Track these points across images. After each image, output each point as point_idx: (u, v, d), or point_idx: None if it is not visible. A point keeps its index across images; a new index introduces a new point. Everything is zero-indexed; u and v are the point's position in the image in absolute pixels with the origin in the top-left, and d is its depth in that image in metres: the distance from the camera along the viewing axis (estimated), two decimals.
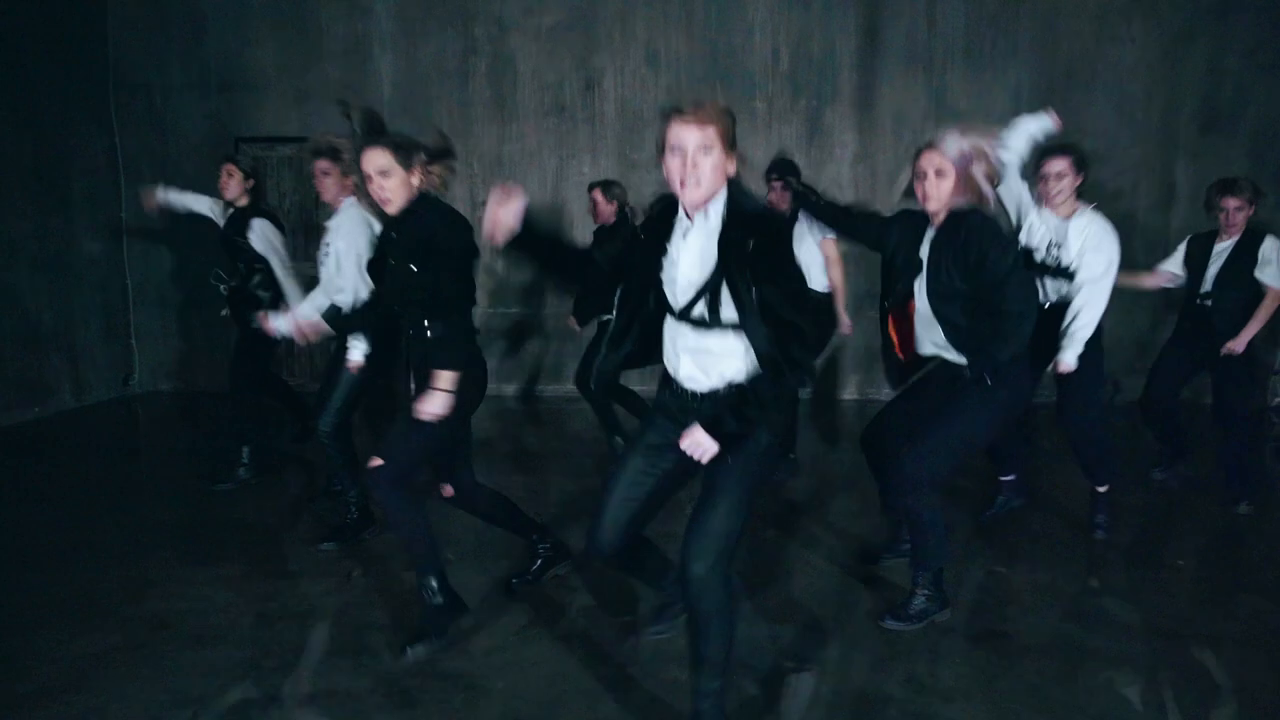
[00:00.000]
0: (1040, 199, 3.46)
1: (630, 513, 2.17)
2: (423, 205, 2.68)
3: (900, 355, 2.87)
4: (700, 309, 1.98)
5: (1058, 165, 3.35)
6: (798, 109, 6.68)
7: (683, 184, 1.96)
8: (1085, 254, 3.32)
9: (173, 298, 7.13)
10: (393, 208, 2.65)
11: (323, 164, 3.62)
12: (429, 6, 6.72)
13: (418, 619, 2.72)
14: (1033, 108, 6.44)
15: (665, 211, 2.12)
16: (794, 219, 4.03)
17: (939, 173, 2.63)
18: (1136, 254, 6.74)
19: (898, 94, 6.62)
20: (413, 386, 2.77)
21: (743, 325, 1.95)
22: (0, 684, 2.47)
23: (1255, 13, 6.29)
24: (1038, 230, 3.46)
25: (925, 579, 2.81)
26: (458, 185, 6.88)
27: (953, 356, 2.73)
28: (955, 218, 2.65)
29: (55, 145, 6.30)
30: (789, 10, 6.57)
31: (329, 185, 3.67)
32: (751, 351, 1.97)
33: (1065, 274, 3.42)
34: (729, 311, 1.96)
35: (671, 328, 2.10)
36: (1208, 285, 4.05)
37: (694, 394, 2.07)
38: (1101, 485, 3.68)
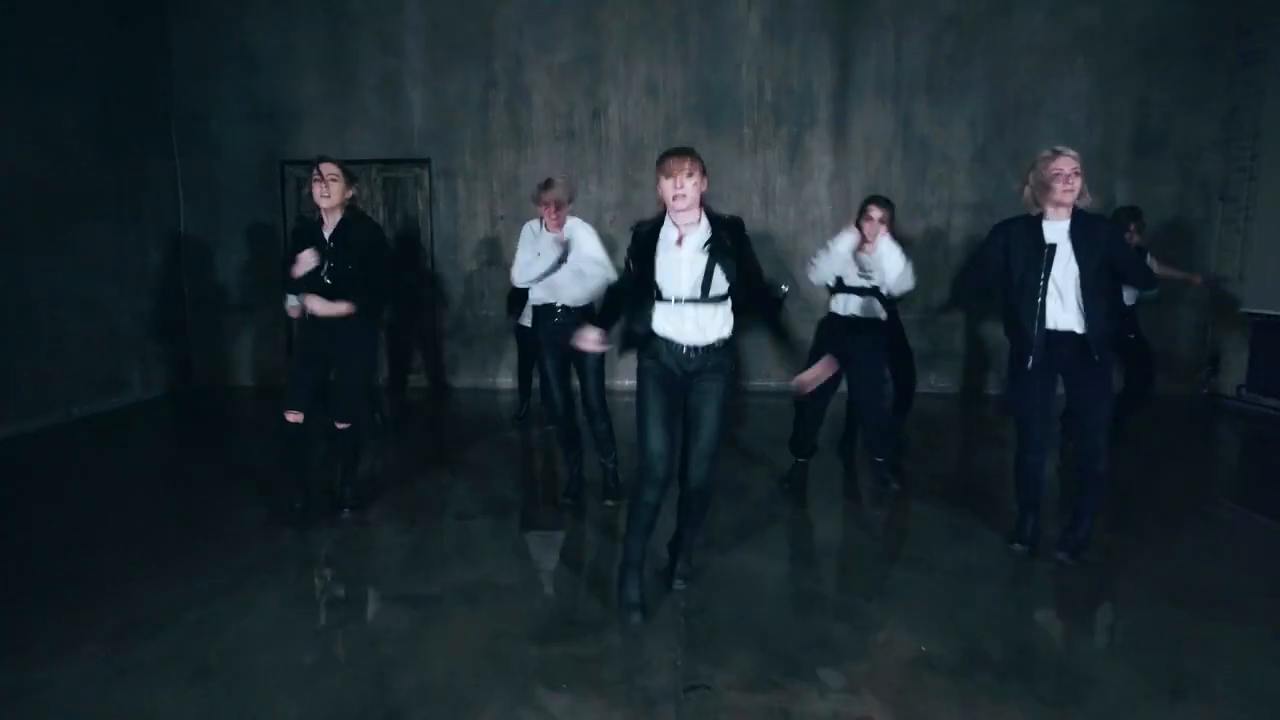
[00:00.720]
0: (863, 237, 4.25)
1: (672, 434, 2.99)
2: None
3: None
4: (700, 289, 2.89)
5: (878, 213, 4.20)
6: (780, 135, 7.56)
7: (675, 199, 2.84)
8: (885, 266, 4.19)
9: (223, 302, 8.00)
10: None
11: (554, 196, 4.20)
12: (454, 46, 7.60)
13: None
14: (987, 133, 7.41)
15: (653, 229, 2.99)
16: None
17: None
18: None
19: (868, 121, 7.50)
20: None
21: (730, 294, 2.94)
22: (168, 589, 3.32)
23: (1178, 55, 7.18)
24: (852, 264, 4.31)
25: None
26: (479, 201, 7.80)
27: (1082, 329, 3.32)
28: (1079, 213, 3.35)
29: (130, 170, 7.18)
30: (772, 48, 7.46)
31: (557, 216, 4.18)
32: (730, 312, 2.97)
33: (874, 293, 4.30)
34: (719, 287, 2.90)
35: (672, 308, 2.94)
36: None
37: (694, 347, 2.95)
38: (880, 457, 4.53)
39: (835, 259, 4.28)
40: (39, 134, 6.20)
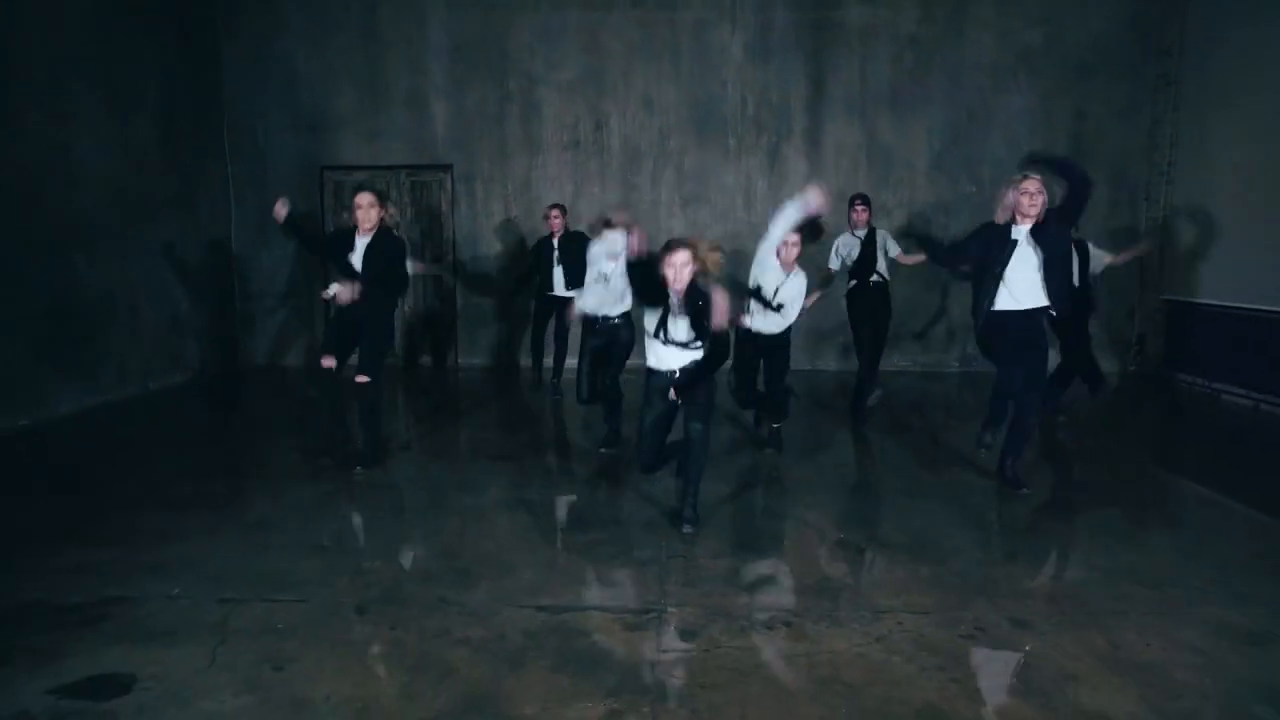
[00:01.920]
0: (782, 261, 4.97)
1: (662, 439, 4.04)
2: None
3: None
4: (686, 338, 3.86)
5: (793, 238, 4.91)
6: (760, 144, 8.58)
7: (674, 281, 3.75)
8: (791, 295, 5.01)
9: (268, 292, 9.01)
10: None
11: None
12: (473, 65, 8.62)
13: None
14: (944, 142, 8.42)
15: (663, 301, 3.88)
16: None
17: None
18: None
19: (839, 132, 8.52)
20: None
21: (697, 341, 3.85)
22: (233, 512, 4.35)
23: (1109, 73, 8.21)
24: (769, 279, 5.03)
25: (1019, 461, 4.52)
26: (494, 202, 8.82)
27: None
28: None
29: (190, 174, 8.21)
30: (753, 68, 8.48)
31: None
32: (697, 350, 3.89)
33: (777, 309, 5.01)
34: (694, 336, 3.86)
35: (666, 348, 3.89)
36: None
37: (674, 371, 3.92)
38: (777, 422, 5.40)
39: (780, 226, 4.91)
40: (117, 143, 7.21)
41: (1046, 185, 4.26)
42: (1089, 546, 3.78)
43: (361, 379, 5.00)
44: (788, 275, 5.02)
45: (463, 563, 3.54)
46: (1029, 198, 4.20)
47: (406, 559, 3.60)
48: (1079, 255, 5.91)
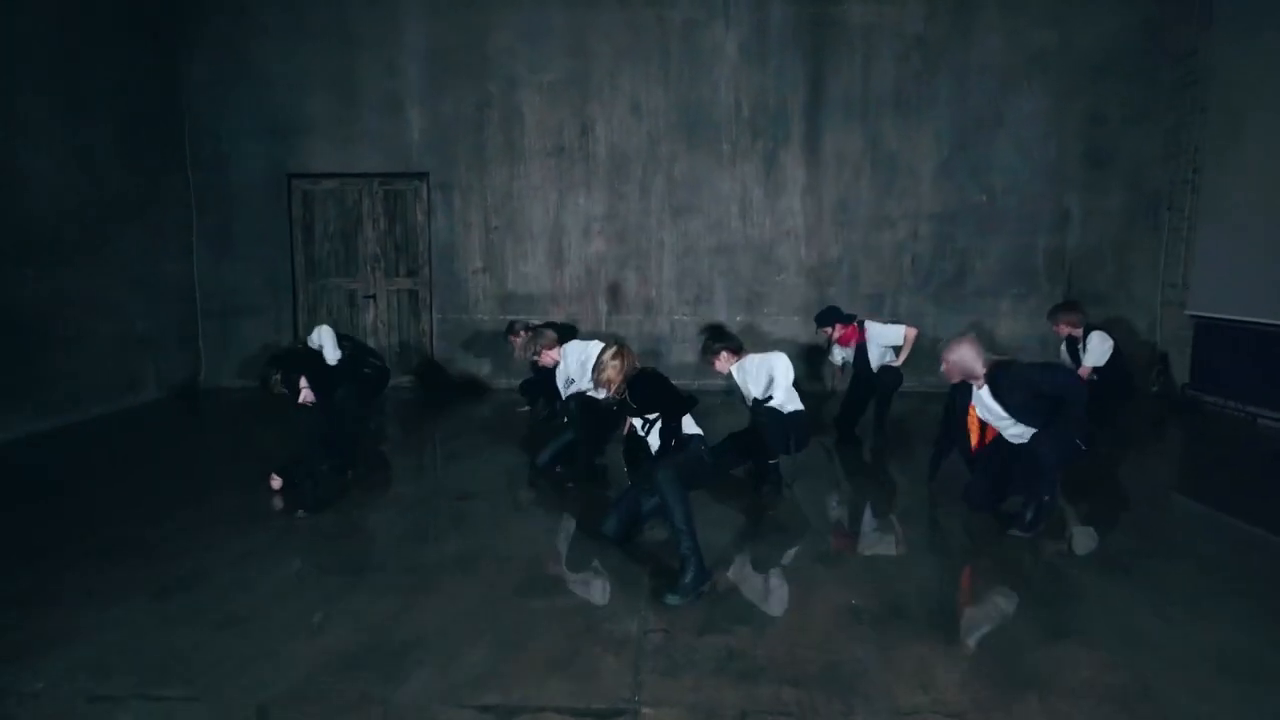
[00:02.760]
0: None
1: (631, 514, 3.92)
2: None
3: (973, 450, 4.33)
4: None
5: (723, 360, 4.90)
6: (756, 150, 8.05)
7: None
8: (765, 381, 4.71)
9: (232, 307, 8.45)
10: None
11: None
12: (451, 67, 8.09)
13: None
14: (952, 149, 7.92)
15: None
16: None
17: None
18: (1039, 268, 8.17)
19: (839, 138, 8.00)
20: None
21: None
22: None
23: (1125, 75, 7.70)
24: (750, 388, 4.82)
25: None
26: (473, 213, 8.28)
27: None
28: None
29: (148, 183, 7.66)
30: (748, 69, 7.96)
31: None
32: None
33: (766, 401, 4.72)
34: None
35: (642, 441, 3.89)
36: None
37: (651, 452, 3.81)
38: (774, 459, 4.87)
39: None
40: (71, 150, 6.69)
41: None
42: (1156, 619, 3.20)
43: (308, 397, 4.57)
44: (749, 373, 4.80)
45: (398, 644, 2.96)
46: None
47: (334, 637, 3.02)
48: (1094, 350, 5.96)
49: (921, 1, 7.82)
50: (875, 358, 6.06)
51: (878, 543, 4.17)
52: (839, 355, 6.30)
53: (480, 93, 8.13)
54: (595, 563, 3.74)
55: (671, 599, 3.29)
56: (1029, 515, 4.04)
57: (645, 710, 2.53)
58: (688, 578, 3.33)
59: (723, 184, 8.10)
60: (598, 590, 3.47)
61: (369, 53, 8.13)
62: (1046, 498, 4.04)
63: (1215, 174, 7.17)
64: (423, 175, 8.28)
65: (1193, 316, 7.40)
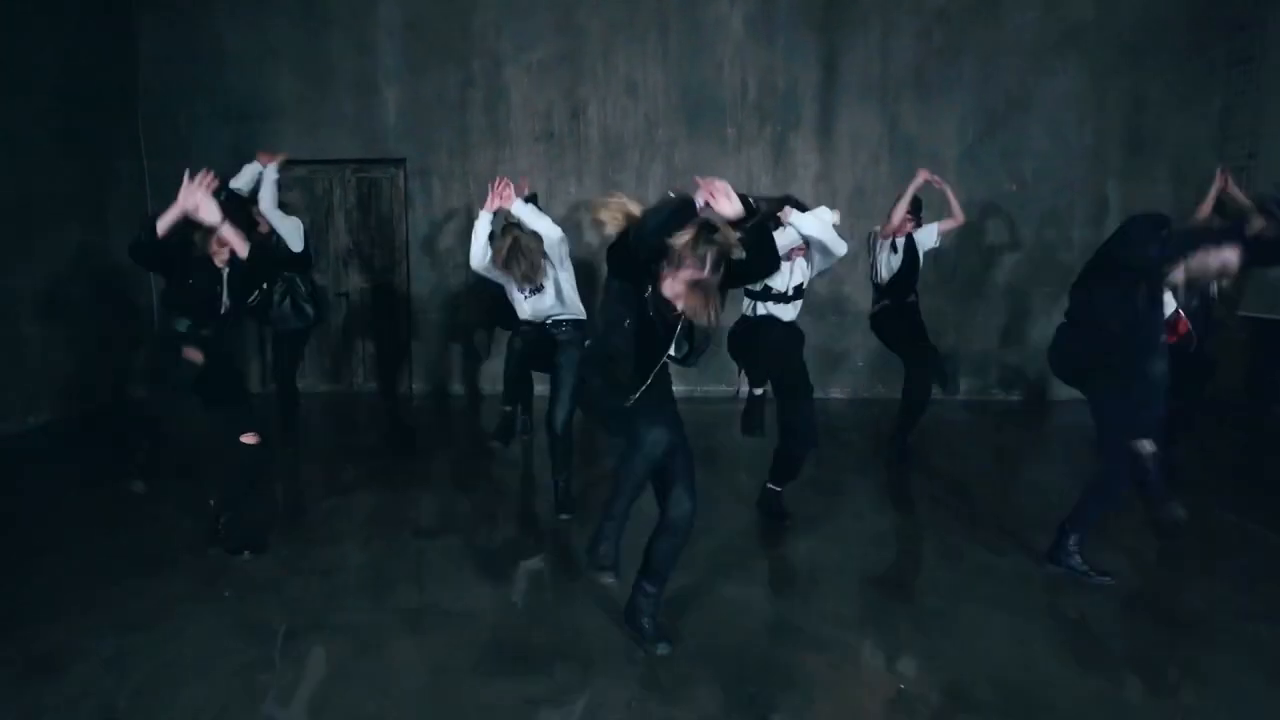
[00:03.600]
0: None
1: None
2: None
3: None
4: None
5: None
6: (764, 135, 7.36)
7: None
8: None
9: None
10: None
11: None
12: (430, 44, 7.40)
13: None
14: (977, 133, 7.23)
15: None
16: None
17: None
18: (1073, 261, 7.44)
19: (854, 121, 7.31)
20: None
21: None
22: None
23: (1170, 51, 7.01)
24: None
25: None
26: (456, 200, 7.59)
27: None
28: None
29: (95, 170, 6.98)
30: (755, 47, 7.27)
31: None
32: None
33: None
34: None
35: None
36: None
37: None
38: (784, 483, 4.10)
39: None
40: (4, 135, 5.99)
41: None
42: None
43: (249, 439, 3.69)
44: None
45: None
46: None
47: None
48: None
49: None
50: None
51: (930, 592, 3.49)
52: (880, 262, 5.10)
53: (462, 72, 7.44)
54: (578, 615, 3.06)
55: (662, 649, 2.76)
56: None
57: None
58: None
59: (727, 171, 7.31)
60: (577, 656, 2.79)
61: (340, 28, 7.44)
62: None
63: (1274, 158, 6.48)
64: (399, 161, 7.58)
65: (1247, 317, 6.71)
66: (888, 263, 5.07)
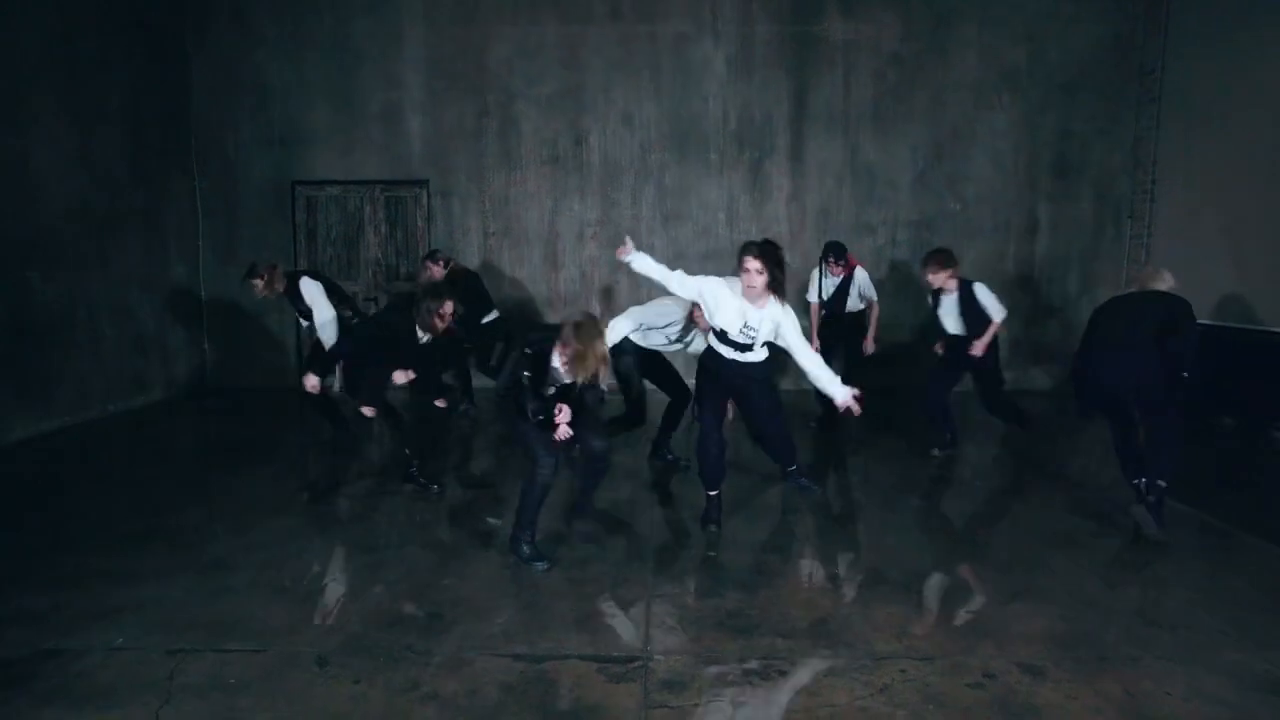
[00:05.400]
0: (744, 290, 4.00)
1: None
2: None
3: None
4: None
5: (754, 264, 3.98)
6: (743, 160, 8.45)
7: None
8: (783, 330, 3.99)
9: (237, 311, 8.71)
10: None
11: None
12: (451, 80, 8.42)
13: None
14: (926, 160, 8.35)
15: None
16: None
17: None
18: (1009, 271, 8.60)
19: (821, 148, 8.41)
20: None
21: None
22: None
23: (1093, 90, 8.19)
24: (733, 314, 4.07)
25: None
26: (472, 218, 8.61)
27: None
28: None
29: (156, 190, 7.92)
30: (735, 83, 8.36)
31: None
32: None
33: (750, 349, 4.05)
34: None
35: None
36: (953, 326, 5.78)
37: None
38: (791, 466, 4.31)
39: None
40: (82, 159, 6.94)
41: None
42: (1097, 584, 3.61)
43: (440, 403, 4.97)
44: (760, 309, 3.99)
45: (434, 606, 3.30)
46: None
47: (373, 602, 3.36)
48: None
49: (898, 21, 8.26)
50: (855, 303, 6.49)
51: (860, 520, 4.55)
52: (825, 288, 6.38)
53: (479, 104, 8.47)
54: (603, 531, 4.09)
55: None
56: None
57: (658, 657, 2.89)
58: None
59: (711, 192, 8.48)
60: (605, 562, 3.82)
61: (371, 64, 8.44)
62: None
63: (1171, 184, 7.65)
64: (423, 183, 8.59)
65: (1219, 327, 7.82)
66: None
